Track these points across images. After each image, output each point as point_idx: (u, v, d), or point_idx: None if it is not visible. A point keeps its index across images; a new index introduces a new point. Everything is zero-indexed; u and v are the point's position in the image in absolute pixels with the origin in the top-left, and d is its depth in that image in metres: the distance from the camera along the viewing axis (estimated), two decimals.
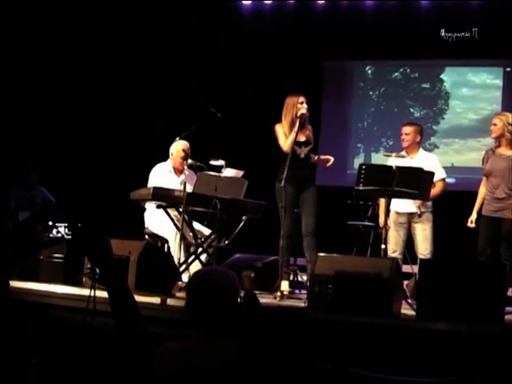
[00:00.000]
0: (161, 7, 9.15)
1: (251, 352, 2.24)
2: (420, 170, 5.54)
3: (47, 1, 8.50)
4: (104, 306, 2.36)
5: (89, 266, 5.26)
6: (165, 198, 5.95)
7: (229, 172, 6.13)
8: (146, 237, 6.29)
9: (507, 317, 4.70)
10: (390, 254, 5.84)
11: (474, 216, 6.04)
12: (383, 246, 5.51)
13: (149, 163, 6.57)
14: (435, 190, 5.93)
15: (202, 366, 2.25)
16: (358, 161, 8.95)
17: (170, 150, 6.46)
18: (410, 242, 6.10)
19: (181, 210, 5.89)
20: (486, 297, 4.43)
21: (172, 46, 9.27)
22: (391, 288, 4.67)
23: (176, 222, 6.03)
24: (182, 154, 6.29)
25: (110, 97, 9.01)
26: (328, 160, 6.02)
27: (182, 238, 5.94)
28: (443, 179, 6.13)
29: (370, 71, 9.66)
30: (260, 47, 9.23)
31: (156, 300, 4.76)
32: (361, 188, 5.46)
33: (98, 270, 2.31)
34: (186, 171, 6.18)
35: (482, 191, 6.03)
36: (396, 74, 9.53)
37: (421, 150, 6.24)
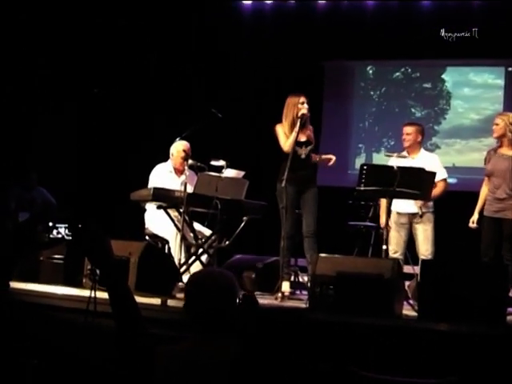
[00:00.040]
0: (161, 7, 9.14)
1: (251, 353, 2.23)
2: (421, 170, 5.53)
3: (47, 1, 8.49)
4: (104, 307, 2.36)
5: (89, 266, 5.24)
6: (165, 198, 5.93)
7: (229, 172, 6.12)
8: (147, 237, 6.28)
9: (509, 318, 4.67)
10: (391, 254, 5.83)
11: (475, 216, 6.03)
12: (384, 247, 5.49)
13: (149, 164, 6.56)
14: (436, 191, 5.92)
15: (201, 367, 2.25)
16: (359, 161, 8.94)
17: (171, 150, 6.44)
18: (411, 243, 6.09)
19: (181, 210, 5.88)
20: (488, 298, 4.42)
21: (172, 46, 9.26)
22: (393, 289, 4.66)
23: (176, 222, 6.02)
24: (183, 154, 6.28)
25: (110, 97, 8.99)
26: (330, 159, 6.01)
27: (183, 238, 5.93)
28: (444, 179, 6.12)
29: (371, 71, 9.64)
30: (260, 47, 9.22)
31: (156, 301, 4.76)
32: (362, 188, 5.44)
33: (98, 271, 2.31)
34: (187, 172, 6.16)
35: (484, 191, 6.02)
36: (397, 73, 9.51)
37: (422, 150, 6.24)
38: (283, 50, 9.10)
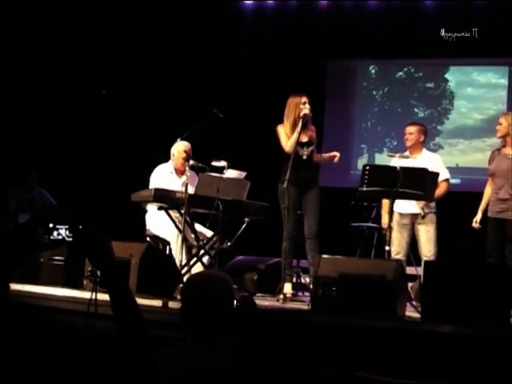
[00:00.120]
0: (161, 7, 9.12)
1: (250, 356, 2.20)
2: (425, 170, 5.50)
3: (47, 1, 8.48)
4: (105, 308, 2.35)
5: (90, 268, 5.22)
6: (166, 199, 5.91)
7: (231, 173, 6.09)
8: (148, 239, 6.26)
9: None
10: (394, 255, 5.81)
11: (478, 216, 6.03)
12: (387, 248, 5.47)
13: (150, 164, 6.54)
14: (439, 191, 5.90)
15: (201, 371, 2.23)
16: (361, 161, 8.91)
17: (172, 150, 6.42)
18: (414, 244, 6.06)
19: (182, 211, 5.85)
20: (492, 299, 4.40)
21: (172, 46, 9.24)
22: (395, 290, 4.64)
23: (178, 223, 5.99)
24: (184, 154, 6.26)
25: (110, 97, 8.98)
26: (334, 156, 5.96)
27: (184, 239, 5.91)
28: (447, 179, 6.10)
29: (373, 70, 9.61)
30: (262, 47, 9.20)
31: (158, 303, 4.75)
32: (364, 189, 5.42)
33: (99, 273, 2.30)
34: (188, 172, 6.13)
35: (488, 192, 6.01)
36: (400, 73, 9.47)
37: (424, 150, 6.22)
38: (285, 49, 9.08)
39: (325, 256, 4.97)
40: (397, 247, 5.94)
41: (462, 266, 4.69)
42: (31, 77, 8.46)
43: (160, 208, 5.97)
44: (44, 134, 8.56)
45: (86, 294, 3.95)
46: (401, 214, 6.02)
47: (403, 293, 4.88)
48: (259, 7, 9.58)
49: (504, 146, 5.93)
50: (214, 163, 6.14)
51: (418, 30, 8.64)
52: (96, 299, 2.46)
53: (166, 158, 6.48)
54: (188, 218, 5.93)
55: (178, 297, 5.17)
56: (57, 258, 5.67)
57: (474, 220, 6.04)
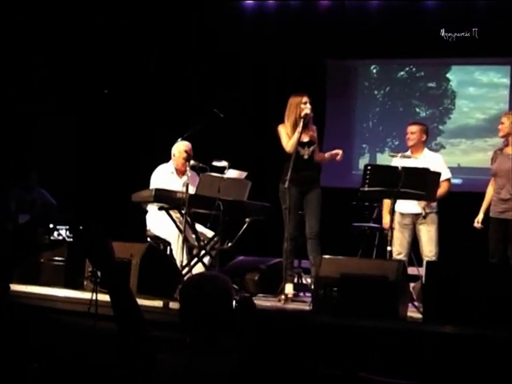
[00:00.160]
0: (161, 7, 9.11)
1: (251, 358, 2.19)
2: (426, 170, 5.49)
3: (47, 1, 8.48)
4: (106, 309, 2.35)
5: (90, 268, 5.17)
6: (167, 199, 5.89)
7: (232, 173, 6.08)
8: (148, 239, 6.25)
9: None
10: (395, 255, 5.80)
11: (480, 216, 6.02)
12: (389, 248, 5.46)
13: (150, 164, 6.52)
14: (440, 191, 5.88)
15: (202, 375, 2.22)
16: (363, 161, 8.89)
17: (172, 150, 6.40)
18: (415, 244, 6.04)
19: (183, 211, 5.83)
20: (494, 299, 4.38)
21: (173, 46, 9.22)
22: (397, 291, 4.62)
23: (178, 224, 5.97)
24: (185, 154, 6.24)
25: (110, 97, 8.96)
26: (337, 154, 5.93)
27: (185, 240, 5.89)
28: (448, 179, 6.09)
29: (374, 70, 9.58)
30: (263, 46, 9.19)
31: (158, 303, 4.74)
32: (366, 189, 5.41)
33: (99, 273, 2.29)
34: (189, 172, 6.11)
35: (490, 192, 5.99)
36: (401, 72, 9.44)
37: (425, 149, 6.21)
38: (286, 49, 9.07)
39: (326, 256, 4.96)
40: (398, 247, 5.92)
41: (464, 267, 4.68)
42: (31, 77, 8.46)
43: (161, 208, 5.95)
44: (44, 134, 8.56)
45: (87, 295, 3.94)
46: (402, 214, 6.01)
47: (405, 293, 4.86)
48: (260, 7, 9.57)
49: (506, 145, 5.92)
50: (215, 163, 6.13)
51: (420, 30, 8.61)
52: (96, 300, 2.46)
53: (166, 158, 6.46)
54: (189, 219, 5.91)
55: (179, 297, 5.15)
56: (57, 258, 5.66)
57: (476, 220, 6.04)
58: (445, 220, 6.10)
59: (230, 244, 6.13)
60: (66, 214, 6.95)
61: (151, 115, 9.06)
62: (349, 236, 7.28)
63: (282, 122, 5.94)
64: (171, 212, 5.96)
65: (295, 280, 6.20)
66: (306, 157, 5.89)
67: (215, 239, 6.07)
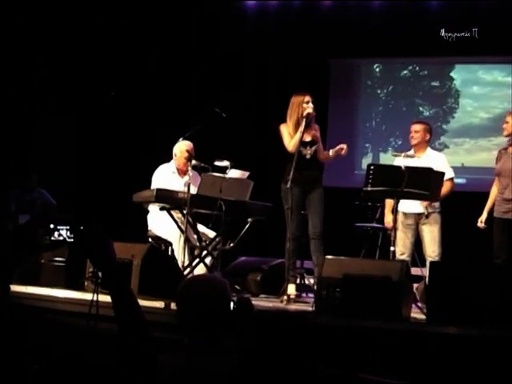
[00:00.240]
0: (161, 7, 9.10)
1: (251, 359, 2.16)
2: (430, 170, 5.46)
3: (47, 1, 8.48)
4: (107, 310, 2.34)
5: (91, 269, 5.19)
6: (168, 199, 5.88)
7: (234, 173, 6.05)
8: (150, 240, 6.23)
9: None
10: (399, 256, 5.78)
11: (484, 216, 6.01)
12: (392, 248, 5.43)
13: (152, 164, 6.50)
14: (443, 190, 5.84)
15: (202, 376, 2.21)
16: (365, 161, 8.86)
17: (174, 150, 6.37)
18: (418, 244, 6.01)
19: (185, 212, 5.82)
20: (498, 300, 4.36)
21: (173, 47, 9.21)
22: (400, 291, 4.61)
23: (180, 224, 5.96)
24: (186, 154, 6.21)
25: (110, 97, 8.95)
26: (341, 149, 5.88)
27: (187, 240, 5.89)
28: (451, 179, 6.06)
29: (377, 69, 9.55)
30: (265, 46, 9.18)
31: (160, 304, 4.74)
32: (369, 189, 5.38)
33: (100, 274, 2.28)
34: (190, 172, 6.09)
35: (494, 191, 5.98)
36: (405, 71, 9.41)
37: (429, 149, 6.20)
38: (288, 48, 9.06)
39: (329, 257, 4.95)
40: (401, 248, 5.90)
41: (468, 267, 4.66)
42: (31, 77, 8.47)
43: (162, 208, 5.94)
44: (44, 134, 8.56)
45: (88, 296, 3.91)
46: (405, 214, 5.98)
47: (408, 294, 4.85)
48: (262, 7, 9.55)
49: (510, 144, 5.89)
50: (217, 163, 6.10)
51: (424, 28, 8.58)
52: (97, 301, 2.46)
53: (167, 157, 6.44)
54: (190, 219, 5.89)
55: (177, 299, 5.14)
56: (58, 259, 5.65)
57: (479, 220, 6.02)
58: (448, 220, 6.08)
59: (231, 244, 6.12)
60: (66, 214, 6.94)
61: (151, 115, 9.05)
62: (351, 236, 7.25)
63: (284, 121, 5.91)
64: (173, 212, 5.95)
65: (298, 281, 6.18)
66: (308, 156, 5.86)
67: (217, 239, 6.05)
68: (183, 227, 5.87)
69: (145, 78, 9.09)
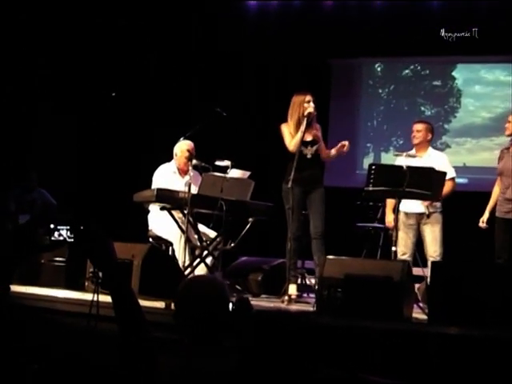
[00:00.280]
0: (161, 7, 9.09)
1: (251, 360, 2.15)
2: (432, 169, 5.45)
3: (47, 1, 8.47)
4: (107, 310, 2.32)
5: (91, 269, 5.20)
6: (169, 199, 5.87)
7: (235, 173, 6.04)
8: (150, 240, 6.22)
9: None
10: (400, 256, 5.77)
11: (485, 216, 6.00)
12: (394, 248, 5.42)
13: (152, 164, 6.48)
14: (445, 190, 5.82)
15: (201, 376, 2.20)
16: (367, 161, 8.83)
17: (174, 150, 6.36)
18: (420, 244, 6.00)
19: (185, 211, 5.80)
20: (500, 300, 4.35)
21: (173, 47, 9.20)
22: (402, 291, 4.60)
23: (181, 224, 5.95)
24: (187, 154, 6.19)
25: (110, 97, 8.94)
26: (343, 146, 5.86)
27: (187, 240, 5.87)
28: (453, 178, 6.05)
29: (379, 68, 9.53)
30: (266, 45, 9.16)
31: (160, 304, 4.73)
32: (370, 189, 5.37)
33: (100, 274, 2.26)
34: (191, 172, 6.08)
35: (496, 191, 5.97)
36: (406, 71, 9.38)
37: (430, 148, 6.19)
38: (289, 48, 9.04)
39: (330, 257, 4.94)
40: (403, 248, 5.89)
41: (470, 267, 4.64)
42: (31, 77, 8.46)
43: (163, 208, 5.92)
44: (44, 134, 8.56)
45: (88, 296, 3.92)
46: (406, 214, 5.97)
47: (410, 294, 4.83)
48: (262, 7, 9.53)
49: None
50: (218, 163, 6.08)
51: (425, 28, 8.56)
52: (98, 301, 2.45)
53: (167, 157, 6.43)
54: (191, 219, 5.88)
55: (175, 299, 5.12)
56: (58, 259, 5.65)
57: (481, 220, 6.01)
58: (450, 220, 6.06)
59: (232, 244, 6.11)
60: (66, 214, 6.93)
61: (151, 115, 9.04)
62: (353, 236, 7.24)
63: (285, 121, 5.90)
64: (173, 212, 5.94)
65: (299, 281, 6.16)
66: (309, 156, 5.84)
67: (218, 239, 6.03)
68: (184, 227, 5.86)
69: (145, 78, 9.08)
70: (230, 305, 2.35)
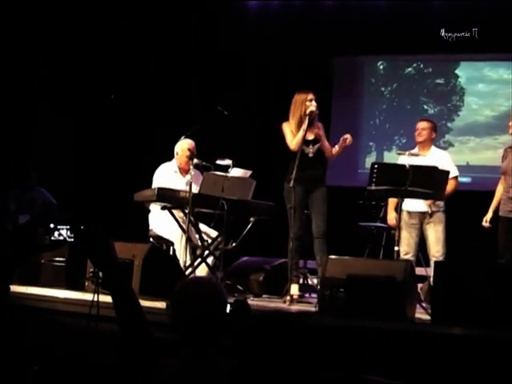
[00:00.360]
0: (161, 7, 9.09)
1: (250, 361, 2.13)
2: (435, 168, 5.43)
3: (47, 1, 8.48)
4: (108, 310, 2.33)
5: (92, 269, 5.19)
6: (170, 199, 5.86)
7: (236, 172, 6.02)
8: (151, 239, 6.22)
9: None
10: (403, 256, 5.76)
11: (489, 215, 5.98)
12: (396, 248, 5.41)
13: (153, 163, 6.47)
14: (448, 189, 5.81)
15: (200, 374, 2.18)
16: (369, 160, 8.82)
17: (175, 149, 6.34)
18: (423, 244, 5.98)
19: (186, 211, 5.79)
20: (503, 300, 4.32)
21: (173, 47, 9.20)
22: (405, 291, 4.58)
23: (182, 223, 5.94)
24: (188, 153, 6.18)
25: (110, 96, 8.94)
26: (345, 140, 5.81)
27: (188, 240, 5.86)
28: (455, 177, 6.04)
29: (381, 66, 9.51)
30: (266, 46, 9.16)
31: (161, 304, 4.70)
32: (373, 188, 5.36)
33: (101, 274, 2.27)
34: (192, 171, 6.07)
35: (500, 190, 5.94)
36: (409, 69, 9.36)
37: (433, 147, 6.19)
38: (291, 46, 9.03)
39: (332, 257, 4.93)
40: (406, 247, 5.87)
41: (473, 267, 4.62)
42: (31, 77, 8.47)
43: (163, 208, 5.92)
44: (44, 134, 8.57)
45: (88, 296, 3.90)
46: (409, 213, 5.95)
47: (413, 294, 4.82)
48: (262, 7, 9.52)
49: None
50: (219, 162, 6.07)
51: (428, 25, 8.54)
52: (98, 301, 2.48)
53: (167, 157, 6.41)
54: (192, 218, 5.87)
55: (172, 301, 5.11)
56: (58, 259, 5.64)
57: (484, 219, 5.99)
58: (453, 219, 6.05)
59: (234, 244, 6.10)
60: (66, 214, 6.93)
61: (152, 115, 9.04)
62: (355, 236, 7.23)
63: (286, 119, 5.87)
64: (174, 211, 5.93)
65: (301, 281, 6.15)
66: (311, 155, 5.82)
67: (219, 239, 6.02)
68: (185, 227, 5.84)
69: (145, 78, 9.07)
70: (228, 306, 2.32)
